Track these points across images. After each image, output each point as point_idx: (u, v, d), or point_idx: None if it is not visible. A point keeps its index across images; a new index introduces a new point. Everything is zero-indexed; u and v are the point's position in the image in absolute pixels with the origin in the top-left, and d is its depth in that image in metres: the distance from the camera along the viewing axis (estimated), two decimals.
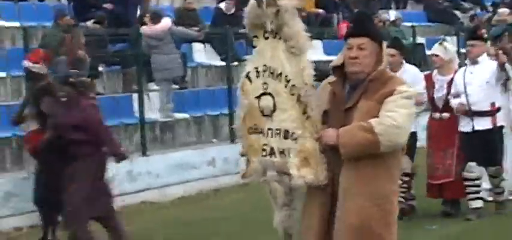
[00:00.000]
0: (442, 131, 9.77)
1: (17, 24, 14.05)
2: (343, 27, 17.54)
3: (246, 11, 5.19)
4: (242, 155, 5.35)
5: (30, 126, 9.65)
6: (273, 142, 5.15)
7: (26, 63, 9.89)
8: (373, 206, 4.95)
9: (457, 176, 9.69)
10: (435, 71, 10.01)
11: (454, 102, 9.64)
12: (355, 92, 5.07)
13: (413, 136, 8.87)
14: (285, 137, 5.11)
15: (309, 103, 5.07)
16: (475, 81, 9.59)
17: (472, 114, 9.56)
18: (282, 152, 5.13)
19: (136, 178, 11.95)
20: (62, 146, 8.58)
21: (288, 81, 5.11)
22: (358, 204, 4.94)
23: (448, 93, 9.72)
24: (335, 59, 5.20)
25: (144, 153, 12.55)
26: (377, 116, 4.94)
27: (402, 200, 9.02)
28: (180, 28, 14.65)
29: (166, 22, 14.00)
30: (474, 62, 9.75)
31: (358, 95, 5.05)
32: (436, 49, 10.02)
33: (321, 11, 19.18)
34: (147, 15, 14.48)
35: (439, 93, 9.80)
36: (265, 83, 5.19)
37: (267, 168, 5.21)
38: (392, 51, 9.32)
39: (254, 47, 5.28)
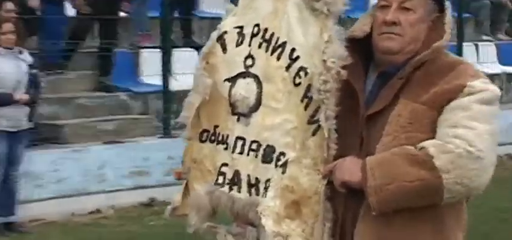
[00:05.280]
0: None
1: None
2: None
3: None
4: (178, 178, 3.03)
5: None
6: (242, 163, 2.92)
7: None
8: None
9: None
10: None
11: None
12: (386, 85, 2.81)
13: None
14: (266, 159, 2.89)
15: (326, 106, 2.75)
16: None
17: None
18: (253, 185, 2.90)
19: None
20: None
21: (293, 60, 2.87)
22: None
23: None
24: (355, 25, 2.93)
25: None
26: (432, 134, 2.72)
27: None
28: None
29: None
30: None
31: (394, 91, 2.79)
32: None
33: None
34: None
35: None
36: (250, 57, 2.91)
37: (220, 208, 2.90)
38: None
39: None
